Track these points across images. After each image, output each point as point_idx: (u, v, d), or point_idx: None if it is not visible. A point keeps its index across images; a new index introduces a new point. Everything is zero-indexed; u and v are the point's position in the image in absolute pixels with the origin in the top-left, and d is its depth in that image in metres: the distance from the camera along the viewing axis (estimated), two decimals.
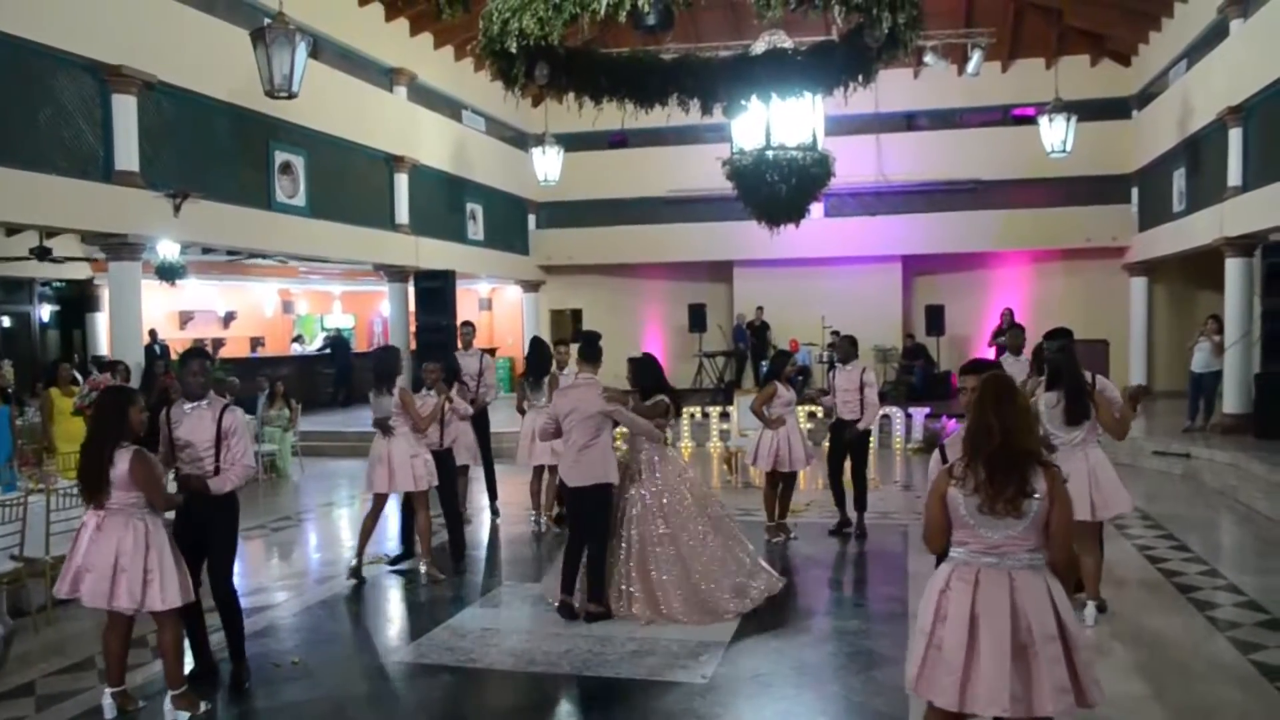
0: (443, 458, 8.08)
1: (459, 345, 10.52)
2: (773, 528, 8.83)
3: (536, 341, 9.90)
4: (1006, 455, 3.37)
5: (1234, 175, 13.64)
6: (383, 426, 7.66)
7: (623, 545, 6.61)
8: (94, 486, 4.82)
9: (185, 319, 20.35)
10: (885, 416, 13.36)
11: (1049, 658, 3.29)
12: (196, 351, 5.53)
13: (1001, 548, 3.41)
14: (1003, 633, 3.32)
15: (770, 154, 10.03)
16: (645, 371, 7.10)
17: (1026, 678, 3.31)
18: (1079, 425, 6.11)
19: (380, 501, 7.80)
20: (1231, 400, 13.42)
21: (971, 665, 3.35)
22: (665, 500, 6.66)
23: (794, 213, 10.56)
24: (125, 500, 4.83)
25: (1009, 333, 7.41)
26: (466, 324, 10.60)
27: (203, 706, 5.02)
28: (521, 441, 9.48)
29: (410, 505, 8.03)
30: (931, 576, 3.63)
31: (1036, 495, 3.36)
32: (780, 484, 8.90)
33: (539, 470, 9.49)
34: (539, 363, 9.63)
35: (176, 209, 11.57)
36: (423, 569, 7.73)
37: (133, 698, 5.11)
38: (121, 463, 4.79)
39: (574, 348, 7.95)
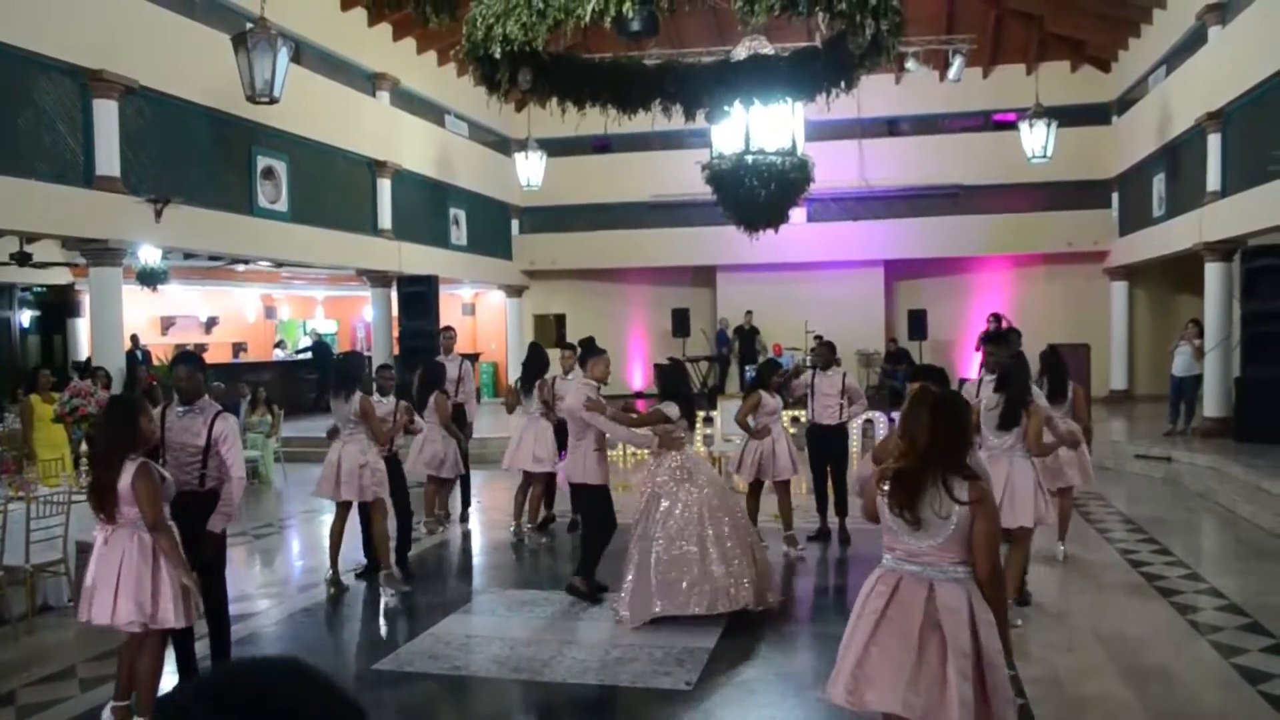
0: (392, 462, 7.97)
1: (440, 351, 10.46)
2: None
3: (534, 347, 9.63)
4: (910, 470, 3.36)
5: (1213, 180, 13.75)
6: (332, 433, 7.60)
7: (654, 550, 6.47)
8: (103, 500, 4.65)
9: (167, 324, 20.19)
10: (868, 420, 13.40)
11: (958, 671, 3.18)
12: (184, 357, 5.47)
13: (924, 557, 3.37)
14: (908, 635, 3.28)
15: (749, 159, 10.03)
16: (663, 377, 7.20)
17: (931, 686, 3.21)
18: (1009, 431, 6.33)
19: (343, 510, 7.62)
20: (1212, 404, 13.51)
21: (867, 663, 3.35)
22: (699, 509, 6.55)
23: (773, 218, 10.56)
24: (132, 515, 4.64)
25: (989, 347, 7.15)
26: (447, 329, 10.57)
27: None
28: (510, 446, 9.40)
29: (366, 515, 7.83)
30: (865, 583, 3.61)
31: (947, 514, 3.30)
32: (776, 493, 8.74)
33: (526, 477, 9.30)
34: (534, 369, 9.35)
35: (158, 214, 11.49)
36: (381, 578, 7.55)
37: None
38: (126, 475, 4.60)
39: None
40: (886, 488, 3.42)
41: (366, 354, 13.58)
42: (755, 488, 8.81)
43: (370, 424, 7.44)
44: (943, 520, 3.31)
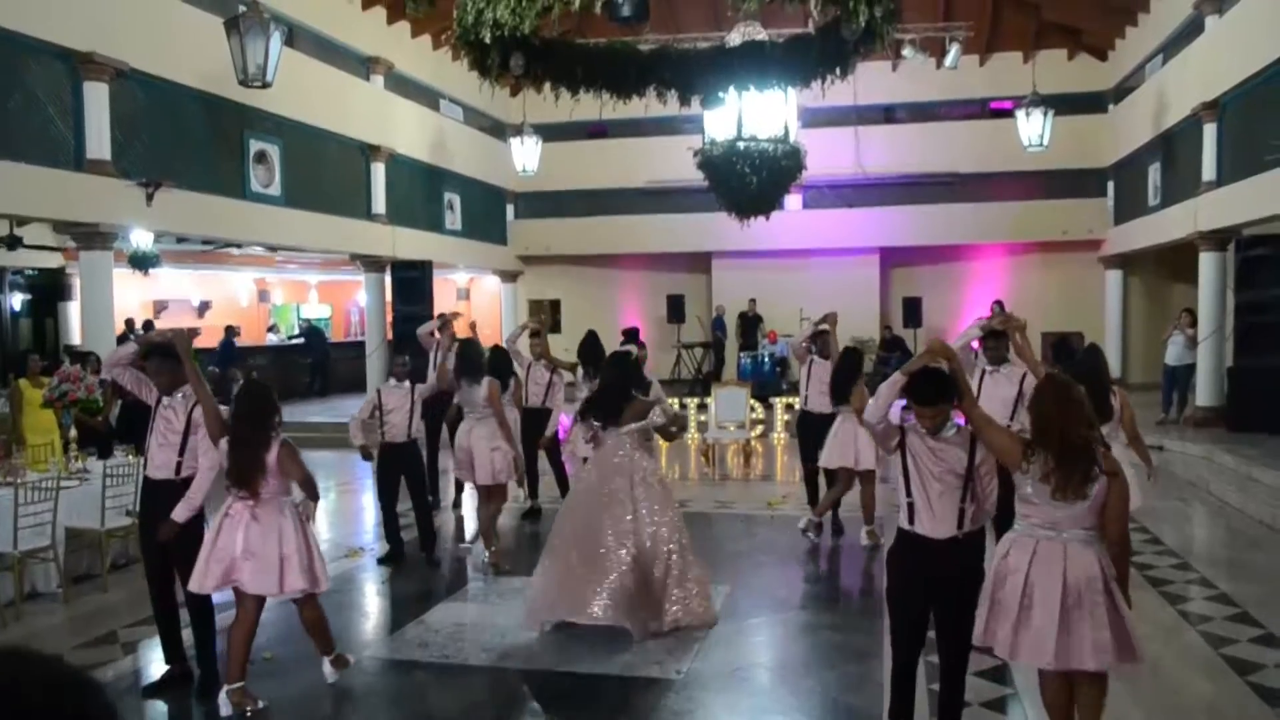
0: (408, 450, 8.04)
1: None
2: (817, 524, 8.57)
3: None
4: (1069, 449, 3.74)
5: (1208, 170, 13.72)
6: (453, 417, 8.12)
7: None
8: (250, 476, 4.88)
9: (159, 308, 20.13)
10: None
11: (1095, 622, 3.72)
12: (150, 353, 5.32)
13: (1060, 524, 3.80)
14: (1053, 596, 3.74)
15: (741, 145, 9.96)
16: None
17: (1071, 636, 3.74)
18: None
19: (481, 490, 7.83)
20: (1204, 393, 13.53)
21: (1022, 622, 3.81)
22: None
23: (765, 205, 10.50)
24: (275, 489, 4.95)
25: (989, 341, 6.97)
26: (443, 318, 10.46)
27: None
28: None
29: (390, 497, 8.10)
30: (998, 545, 4.04)
31: (1096, 481, 3.74)
32: (862, 484, 8.31)
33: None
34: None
35: (149, 198, 11.42)
36: (485, 558, 7.73)
37: (251, 696, 5.01)
38: (273, 451, 4.91)
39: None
40: (1033, 467, 3.79)
41: (370, 339, 13.51)
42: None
43: (496, 408, 7.71)
44: (1086, 491, 3.74)
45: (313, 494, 5.14)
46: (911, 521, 4.17)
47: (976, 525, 4.22)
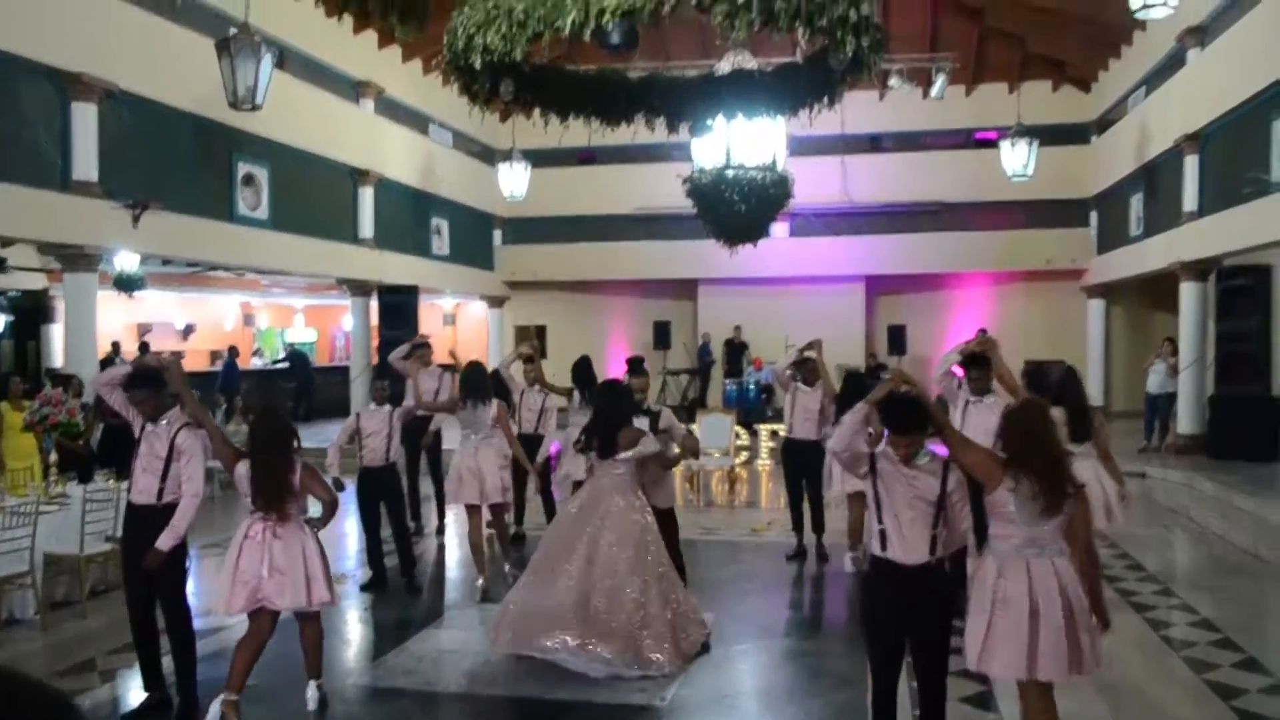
0: (387, 474, 8.03)
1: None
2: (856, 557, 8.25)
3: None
4: (1054, 465, 3.98)
5: (1189, 201, 13.87)
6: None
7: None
8: (279, 498, 5.06)
9: (143, 331, 20.00)
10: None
11: (1086, 629, 3.98)
12: (138, 379, 5.28)
13: (1042, 541, 3.99)
14: (1057, 612, 3.93)
15: (730, 173, 10.03)
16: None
17: (1076, 649, 3.95)
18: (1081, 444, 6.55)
19: (477, 516, 7.81)
20: (1186, 421, 13.61)
21: (1036, 641, 3.93)
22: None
23: (753, 232, 10.56)
24: (297, 509, 5.18)
25: (972, 371, 6.92)
26: (421, 341, 10.33)
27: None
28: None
29: (372, 522, 8.12)
30: (981, 569, 4.14)
31: (1071, 497, 4.00)
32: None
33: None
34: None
35: (136, 220, 11.39)
36: (476, 583, 7.66)
37: (239, 713, 5.03)
38: (296, 474, 5.13)
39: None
40: (1018, 486, 3.95)
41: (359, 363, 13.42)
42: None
43: (504, 429, 7.84)
44: (1064, 507, 3.98)
45: (332, 514, 5.36)
46: (884, 548, 4.18)
47: (949, 551, 4.26)
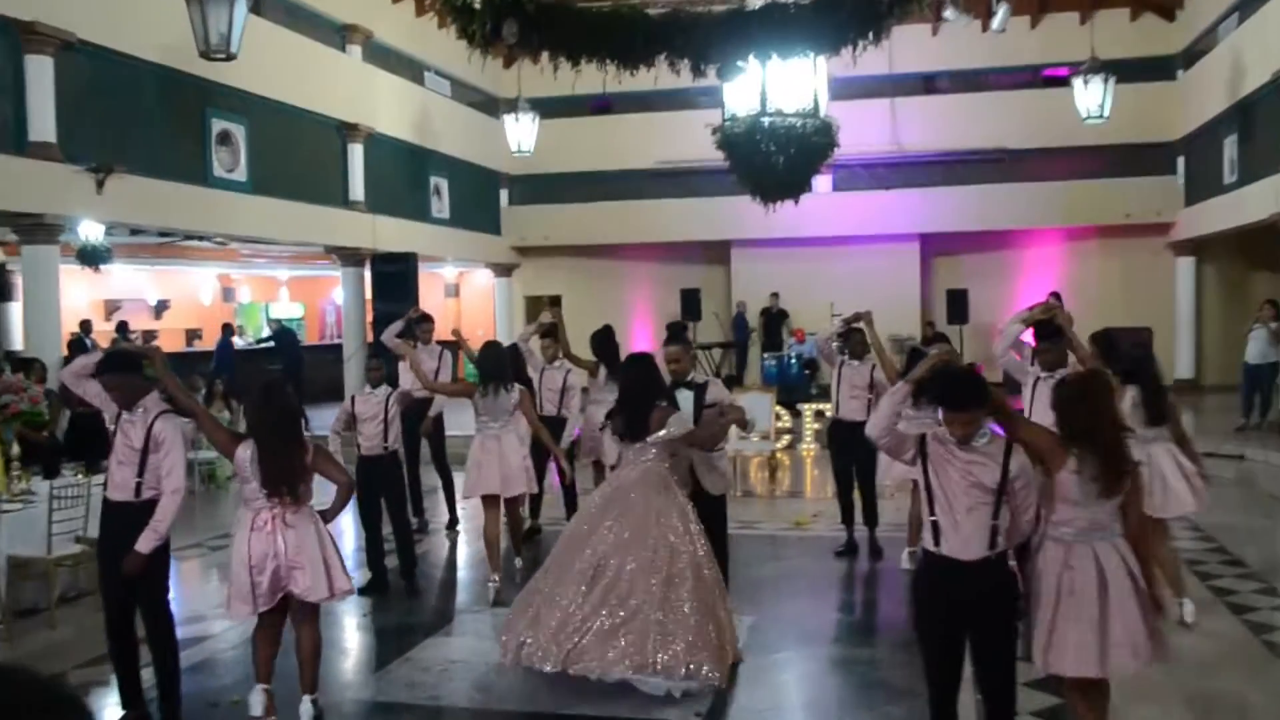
0: (385, 463, 8.07)
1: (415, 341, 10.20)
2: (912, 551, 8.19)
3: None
4: (1115, 445, 4.12)
5: None
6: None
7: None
8: (294, 482, 5.15)
9: (111, 309, 20.18)
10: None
11: (1144, 608, 4.14)
12: (110, 363, 5.36)
13: (1104, 524, 4.14)
14: (1128, 597, 4.08)
15: (766, 121, 9.93)
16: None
17: (1150, 630, 4.14)
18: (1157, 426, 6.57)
19: (494, 508, 7.89)
20: None
21: (1107, 631, 4.06)
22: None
23: (793, 187, 10.48)
24: (307, 493, 5.28)
25: (1044, 344, 6.86)
26: (425, 318, 10.36)
27: None
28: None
29: (372, 518, 8.16)
30: (1041, 560, 4.23)
31: (1129, 476, 4.16)
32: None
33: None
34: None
35: (100, 185, 11.46)
36: (490, 581, 7.71)
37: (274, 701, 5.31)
38: (309, 455, 5.24)
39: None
40: (1078, 465, 4.05)
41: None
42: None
43: (528, 415, 7.94)
44: (1124, 487, 4.12)
45: (349, 498, 5.51)
46: (937, 543, 4.15)
47: (1012, 544, 4.23)
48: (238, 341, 22.15)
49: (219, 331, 18.44)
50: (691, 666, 5.46)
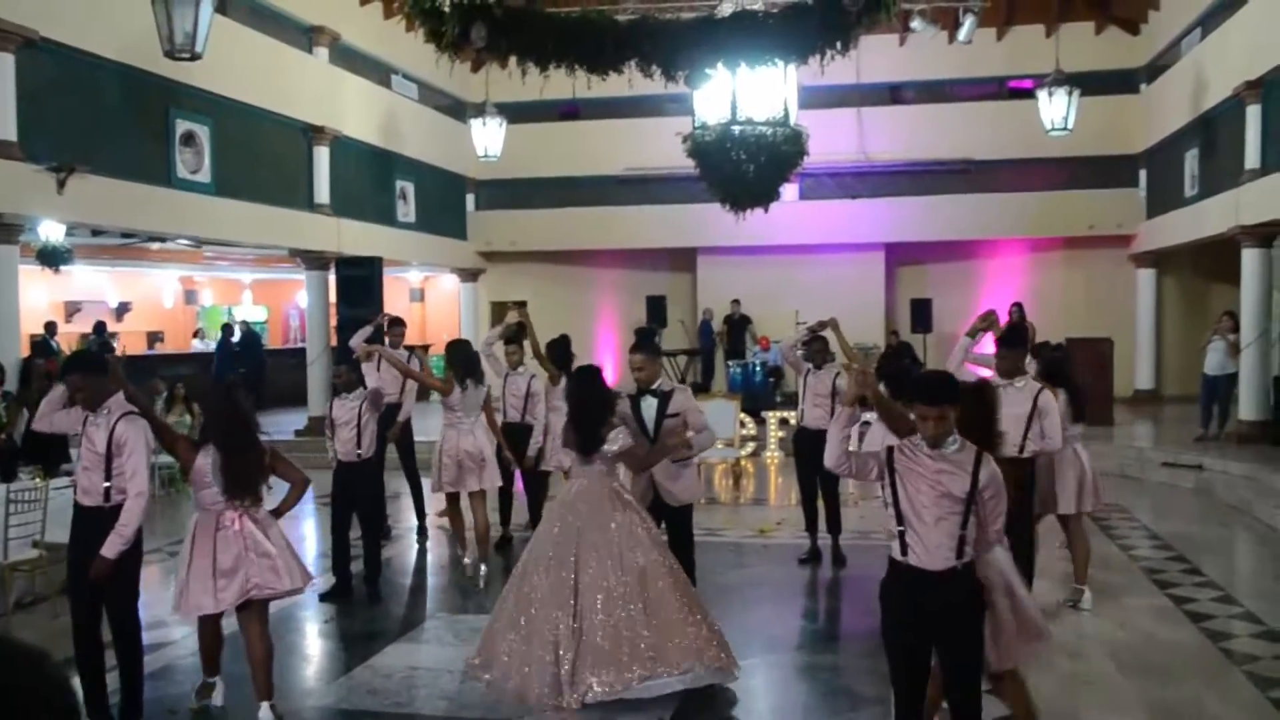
0: (358, 470, 8.03)
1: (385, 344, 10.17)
2: None
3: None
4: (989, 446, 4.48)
5: (1252, 157, 13.84)
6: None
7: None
8: (255, 482, 5.34)
9: (72, 310, 19.96)
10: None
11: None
12: (75, 362, 5.46)
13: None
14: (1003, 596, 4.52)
15: (736, 129, 9.98)
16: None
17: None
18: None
19: (454, 502, 8.48)
20: (1248, 406, 13.62)
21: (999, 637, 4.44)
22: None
23: (762, 195, 10.53)
24: (265, 492, 5.46)
25: (1002, 350, 7.06)
26: (396, 321, 10.39)
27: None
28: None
29: (341, 524, 8.14)
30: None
31: None
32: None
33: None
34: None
35: (61, 185, 11.32)
36: (480, 568, 8.22)
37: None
38: (267, 455, 5.45)
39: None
40: None
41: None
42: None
43: (487, 413, 8.40)
44: None
45: (302, 493, 5.69)
46: (904, 553, 4.17)
47: (979, 553, 4.26)
48: (197, 345, 22.01)
49: (190, 334, 18.41)
50: (697, 662, 5.53)
